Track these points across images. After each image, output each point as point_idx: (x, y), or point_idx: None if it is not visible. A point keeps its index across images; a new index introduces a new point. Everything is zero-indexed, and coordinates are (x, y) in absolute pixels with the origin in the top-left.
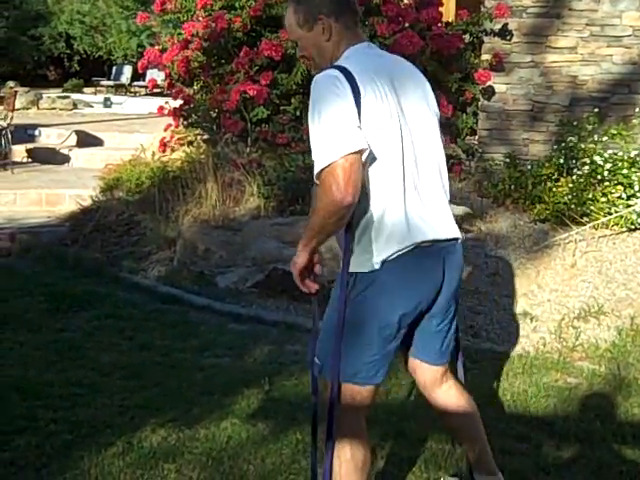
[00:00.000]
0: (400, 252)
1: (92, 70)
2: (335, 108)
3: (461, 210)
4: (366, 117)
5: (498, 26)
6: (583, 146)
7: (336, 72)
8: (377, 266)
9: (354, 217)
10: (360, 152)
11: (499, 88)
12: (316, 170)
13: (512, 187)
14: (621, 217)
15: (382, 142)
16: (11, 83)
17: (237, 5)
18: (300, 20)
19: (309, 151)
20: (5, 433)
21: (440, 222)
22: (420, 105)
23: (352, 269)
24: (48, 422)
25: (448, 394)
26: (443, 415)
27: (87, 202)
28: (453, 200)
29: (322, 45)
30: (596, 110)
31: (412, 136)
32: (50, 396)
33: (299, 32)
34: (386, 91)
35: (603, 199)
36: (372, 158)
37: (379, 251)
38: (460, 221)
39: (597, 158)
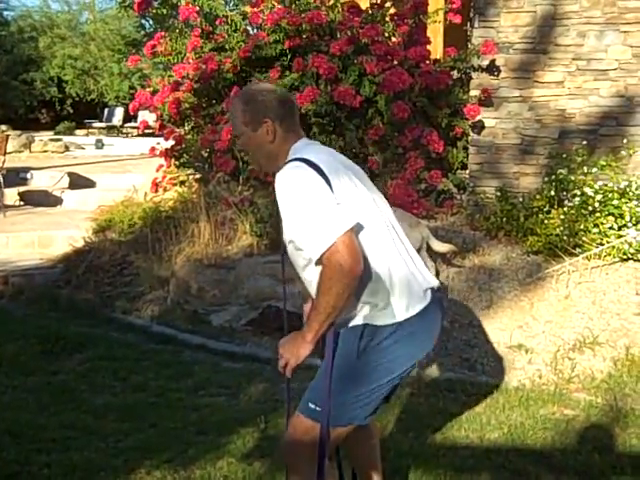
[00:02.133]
0: (424, 306)
1: (84, 112)
2: (315, 193)
3: (447, 247)
4: (341, 195)
5: (485, 62)
6: (573, 178)
7: (298, 163)
8: (400, 319)
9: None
10: (353, 228)
11: (488, 122)
12: (316, 255)
13: (504, 220)
14: (613, 247)
15: (363, 213)
16: (3, 127)
17: (227, 47)
18: (246, 119)
19: None
20: None
21: (428, 273)
22: (367, 179)
23: (365, 321)
24: (42, 466)
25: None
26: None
27: (80, 243)
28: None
29: (265, 145)
30: (585, 142)
31: (377, 204)
32: (44, 440)
33: (243, 129)
34: (345, 170)
35: (595, 230)
36: (360, 228)
37: (402, 306)
38: (449, 257)
39: (587, 189)
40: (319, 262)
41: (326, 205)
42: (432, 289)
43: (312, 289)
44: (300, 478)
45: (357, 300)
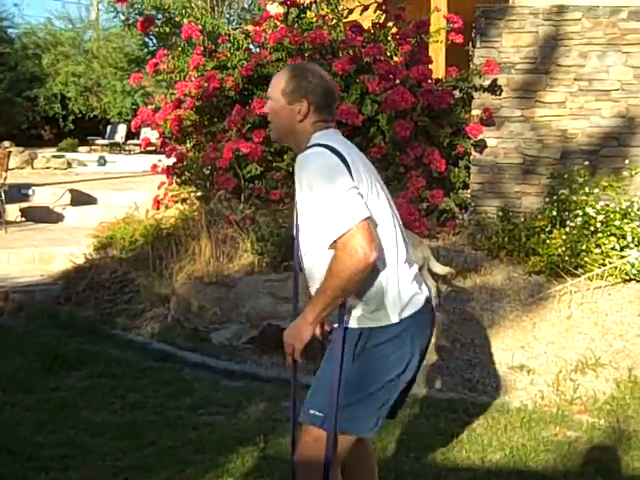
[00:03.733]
0: (417, 310)
1: (87, 129)
2: (337, 177)
3: (446, 270)
4: (360, 186)
5: (487, 82)
6: (575, 198)
7: (321, 148)
8: (395, 320)
9: None
10: (369, 218)
11: (490, 142)
12: (332, 237)
13: (506, 240)
14: (615, 268)
15: (377, 209)
16: (6, 143)
17: (229, 65)
18: (286, 90)
19: None
20: None
21: (423, 281)
22: (381, 180)
23: (360, 325)
24: None
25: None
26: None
27: (81, 260)
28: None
29: (292, 121)
30: (587, 163)
31: (391, 205)
32: (41, 458)
33: (279, 97)
34: (365, 166)
35: (597, 250)
36: (374, 222)
37: (397, 308)
38: (449, 279)
39: (589, 210)
40: (332, 245)
41: (347, 189)
42: (425, 297)
43: (311, 278)
44: None
45: (354, 296)
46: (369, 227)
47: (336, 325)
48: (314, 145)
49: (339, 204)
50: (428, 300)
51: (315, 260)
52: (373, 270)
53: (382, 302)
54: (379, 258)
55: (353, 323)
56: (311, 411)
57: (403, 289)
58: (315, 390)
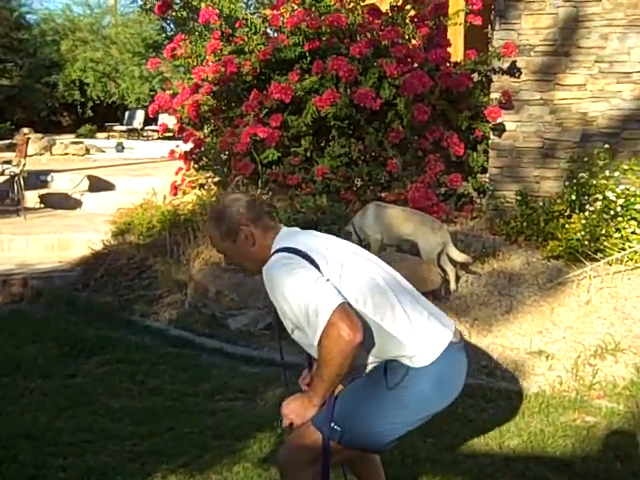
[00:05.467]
0: (442, 350)
1: (105, 115)
2: (303, 277)
3: (463, 258)
4: (330, 270)
5: (506, 64)
6: (595, 182)
7: (281, 253)
8: (426, 363)
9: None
10: (343, 302)
11: (509, 126)
12: (317, 335)
13: (524, 224)
14: (635, 252)
15: (359, 279)
16: (25, 130)
17: (246, 49)
18: (223, 234)
19: (319, 192)
20: None
21: (443, 315)
22: (355, 246)
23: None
24: (57, 470)
25: None
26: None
27: (98, 246)
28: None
29: (249, 251)
30: (607, 146)
31: (375, 262)
32: (60, 443)
33: (224, 245)
34: (329, 245)
35: (617, 235)
36: (363, 293)
37: (423, 354)
38: (467, 264)
39: (609, 194)
40: (320, 341)
41: (314, 281)
42: (453, 332)
43: (313, 352)
44: None
45: (377, 359)
46: (346, 310)
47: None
48: (275, 252)
49: (311, 300)
50: (455, 335)
51: (308, 345)
52: (381, 333)
53: (410, 354)
54: (389, 320)
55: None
56: (334, 425)
57: (427, 334)
58: (341, 405)
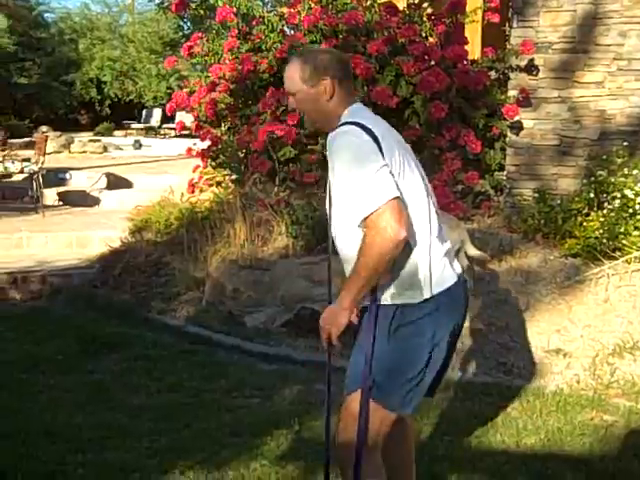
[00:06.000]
0: (450, 285)
1: (123, 113)
2: (367, 156)
3: (480, 255)
4: (391, 164)
5: (524, 62)
6: (613, 180)
7: (352, 126)
8: (427, 296)
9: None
10: (398, 197)
11: (526, 124)
12: (361, 216)
13: (542, 222)
14: None
15: (409, 186)
16: (44, 128)
17: (263, 47)
18: (306, 75)
19: None
20: (34, 477)
21: (454, 259)
22: (415, 159)
23: (394, 301)
24: (77, 466)
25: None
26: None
27: (116, 244)
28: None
29: (322, 103)
30: (625, 144)
31: (424, 181)
32: (79, 439)
33: (301, 86)
34: (396, 142)
35: (635, 233)
36: (405, 200)
37: (429, 284)
38: (485, 261)
39: (628, 192)
40: (362, 225)
41: (378, 168)
42: (458, 274)
43: (345, 259)
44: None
45: (387, 273)
46: (398, 206)
47: (368, 303)
48: (344, 124)
49: (369, 183)
50: (460, 277)
51: (347, 240)
52: (405, 247)
53: (415, 278)
54: (410, 235)
55: (387, 300)
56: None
57: (435, 265)
58: (352, 365)
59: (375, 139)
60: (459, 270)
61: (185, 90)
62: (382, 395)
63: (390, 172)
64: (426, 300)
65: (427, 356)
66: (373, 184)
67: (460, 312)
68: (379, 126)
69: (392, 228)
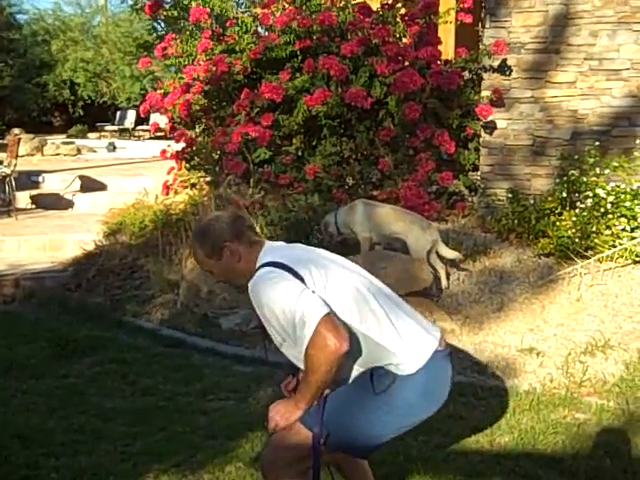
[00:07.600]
0: (428, 357)
1: (96, 115)
2: (288, 290)
3: (454, 255)
4: (315, 282)
5: (497, 62)
6: (585, 179)
7: (265, 268)
8: (412, 371)
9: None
10: (329, 312)
11: (500, 124)
12: (305, 344)
13: (516, 222)
14: (625, 249)
15: (343, 288)
16: (16, 130)
17: (237, 48)
18: (208, 252)
19: (311, 191)
20: None
21: (428, 324)
22: (338, 256)
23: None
24: (50, 470)
25: None
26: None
27: (90, 247)
28: (455, 237)
29: (235, 267)
30: (597, 143)
31: (359, 273)
32: (52, 444)
33: (210, 263)
34: (311, 257)
35: (607, 232)
36: (347, 303)
37: (410, 361)
38: (457, 262)
39: (600, 191)
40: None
41: (301, 296)
42: (438, 339)
43: (301, 364)
44: None
45: (363, 367)
46: (332, 320)
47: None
48: (259, 267)
49: (297, 310)
50: (440, 343)
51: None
52: (368, 342)
53: (396, 361)
54: (366, 329)
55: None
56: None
57: (413, 341)
58: (328, 409)
59: (286, 269)
60: (438, 335)
61: (159, 91)
62: (343, 445)
63: (312, 292)
64: (413, 374)
65: (403, 427)
66: (301, 310)
67: (447, 387)
68: (288, 255)
69: (333, 344)
